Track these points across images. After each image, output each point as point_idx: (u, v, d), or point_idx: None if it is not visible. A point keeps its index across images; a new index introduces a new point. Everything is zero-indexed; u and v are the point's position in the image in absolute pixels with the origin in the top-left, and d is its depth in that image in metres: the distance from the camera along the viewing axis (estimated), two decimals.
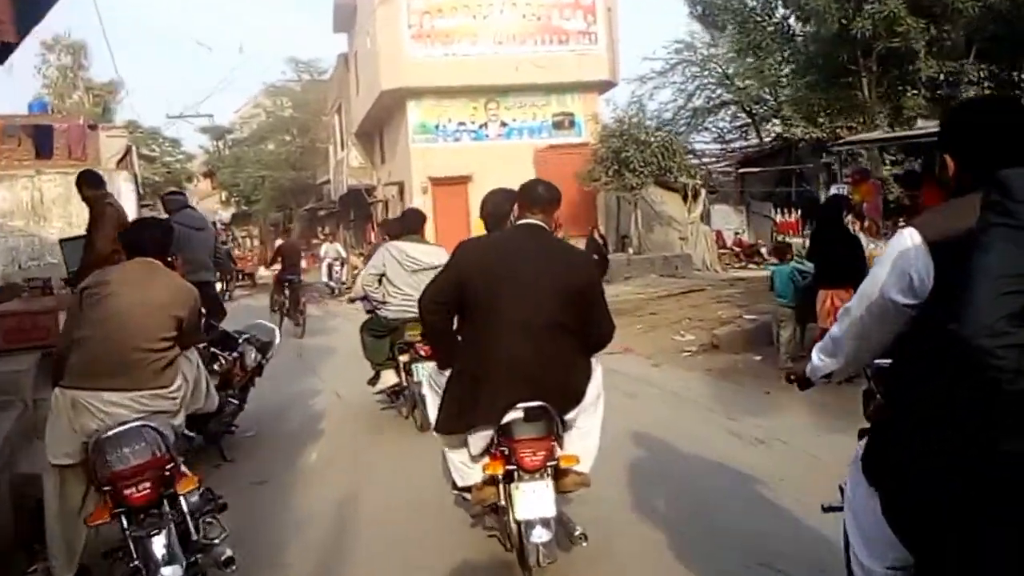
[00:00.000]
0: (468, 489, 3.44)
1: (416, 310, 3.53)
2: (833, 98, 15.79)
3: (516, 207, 3.60)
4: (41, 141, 14.90)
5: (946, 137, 1.99)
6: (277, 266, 14.23)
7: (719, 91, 27.92)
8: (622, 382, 7.55)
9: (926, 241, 1.83)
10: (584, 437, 3.42)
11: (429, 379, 3.84)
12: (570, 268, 3.36)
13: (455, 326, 3.47)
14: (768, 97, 26.05)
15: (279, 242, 16.88)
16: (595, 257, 18.37)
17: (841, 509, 2.34)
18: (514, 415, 3.19)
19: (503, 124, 21.72)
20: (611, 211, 21.14)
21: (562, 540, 3.35)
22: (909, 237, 1.87)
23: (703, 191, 20.73)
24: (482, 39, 21.13)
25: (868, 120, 14.76)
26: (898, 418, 1.92)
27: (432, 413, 3.62)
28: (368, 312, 6.48)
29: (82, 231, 14.66)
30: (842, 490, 2.37)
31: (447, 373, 3.45)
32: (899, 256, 1.88)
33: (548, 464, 3.18)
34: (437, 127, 21.51)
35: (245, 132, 42.58)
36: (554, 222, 3.50)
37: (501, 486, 3.27)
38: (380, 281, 6.02)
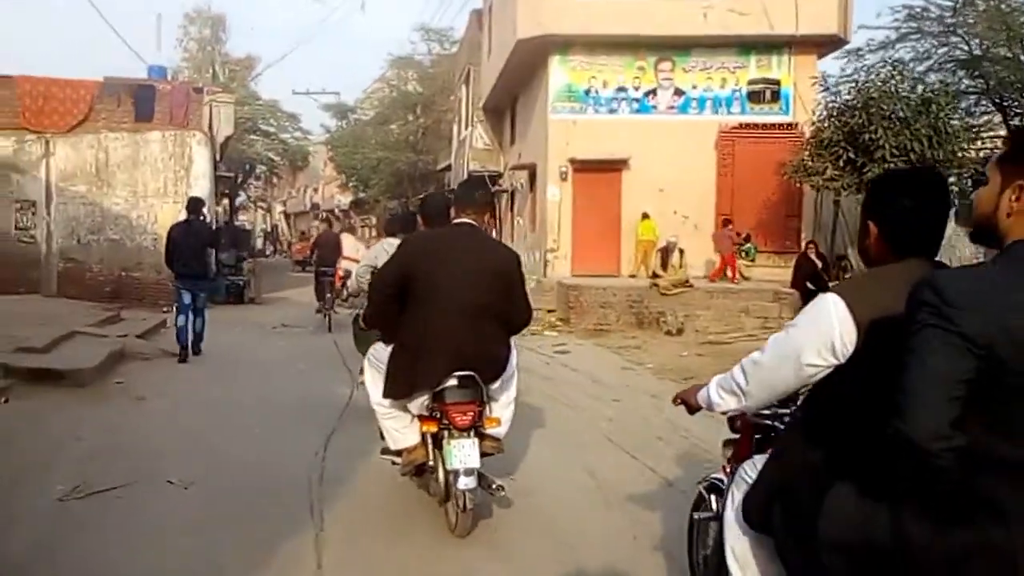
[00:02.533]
0: (399, 453, 4.18)
1: None
2: None
3: (453, 208, 4.21)
4: (142, 103, 15.31)
5: (869, 206, 2.05)
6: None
7: (959, 75, 21.03)
8: None
9: (850, 310, 1.90)
10: (503, 407, 4.16)
11: (370, 358, 4.45)
12: (496, 256, 4.13)
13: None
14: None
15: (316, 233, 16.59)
16: (807, 286, 12.53)
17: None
18: (449, 382, 3.83)
19: (678, 92, 15.99)
20: (823, 219, 14.99)
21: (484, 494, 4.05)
22: (832, 304, 1.92)
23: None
24: None
25: None
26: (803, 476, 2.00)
27: (371, 389, 4.29)
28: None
29: (149, 200, 15.93)
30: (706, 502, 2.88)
31: (388, 350, 4.09)
32: (822, 322, 1.94)
33: (475, 424, 3.88)
34: (587, 93, 16.09)
35: (370, 112, 38.87)
36: (485, 223, 4.29)
37: (431, 448, 4.01)
38: (372, 274, 6.28)
